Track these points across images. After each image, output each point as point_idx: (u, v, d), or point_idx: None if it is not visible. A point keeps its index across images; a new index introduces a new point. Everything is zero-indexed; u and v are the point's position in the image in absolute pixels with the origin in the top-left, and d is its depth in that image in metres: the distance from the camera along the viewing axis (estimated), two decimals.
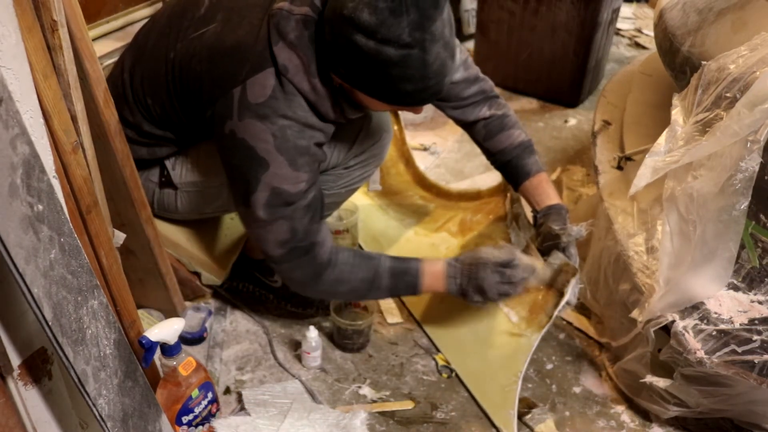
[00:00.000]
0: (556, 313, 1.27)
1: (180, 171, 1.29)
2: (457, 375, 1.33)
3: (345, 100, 1.13)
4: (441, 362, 1.36)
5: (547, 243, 1.34)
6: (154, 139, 1.24)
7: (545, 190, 1.39)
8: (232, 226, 1.51)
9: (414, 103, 1.08)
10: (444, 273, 1.23)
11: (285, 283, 1.22)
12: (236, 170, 1.12)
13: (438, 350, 1.38)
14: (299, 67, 1.06)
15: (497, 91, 1.44)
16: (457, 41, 1.09)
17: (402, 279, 1.22)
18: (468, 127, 1.44)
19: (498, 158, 1.43)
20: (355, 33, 0.96)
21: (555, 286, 1.33)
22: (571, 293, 1.27)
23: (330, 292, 1.22)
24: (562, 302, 1.27)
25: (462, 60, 1.32)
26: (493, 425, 1.22)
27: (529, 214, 1.45)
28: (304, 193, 1.12)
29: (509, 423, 1.20)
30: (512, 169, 1.42)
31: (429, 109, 2.38)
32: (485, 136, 1.42)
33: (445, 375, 1.33)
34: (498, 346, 1.34)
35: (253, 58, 1.06)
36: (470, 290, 1.21)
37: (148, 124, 1.22)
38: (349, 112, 1.16)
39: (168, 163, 1.29)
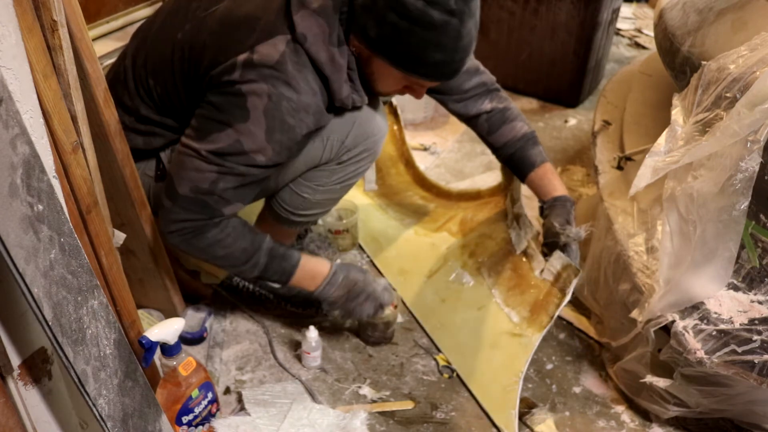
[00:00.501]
0: (557, 312, 1.27)
1: None
2: (458, 375, 1.33)
3: (359, 75, 1.13)
4: (442, 362, 1.36)
5: (548, 240, 1.34)
6: (150, 125, 1.22)
7: (551, 181, 1.39)
8: None
9: (434, 75, 1.10)
10: (325, 275, 1.26)
11: (161, 226, 1.14)
12: (214, 109, 1.07)
13: (439, 350, 1.38)
14: (319, 35, 1.06)
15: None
16: None
17: (278, 262, 1.20)
18: (470, 121, 1.44)
19: (502, 151, 1.44)
20: None
21: (557, 285, 1.33)
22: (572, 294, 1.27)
23: (206, 251, 1.15)
24: (564, 302, 1.27)
25: None
26: (494, 425, 1.22)
27: (536, 208, 1.45)
28: (256, 167, 1.09)
29: (510, 423, 1.20)
30: (517, 161, 1.42)
31: (429, 109, 2.38)
32: (488, 129, 1.42)
33: (446, 375, 1.33)
34: (499, 346, 1.34)
35: (263, 26, 1.06)
36: (340, 310, 1.31)
37: (146, 108, 1.20)
38: (359, 90, 1.16)
39: (164, 156, 1.28)
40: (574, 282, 1.27)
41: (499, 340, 1.35)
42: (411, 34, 1.03)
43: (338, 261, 1.46)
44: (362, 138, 1.28)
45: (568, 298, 1.26)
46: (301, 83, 1.07)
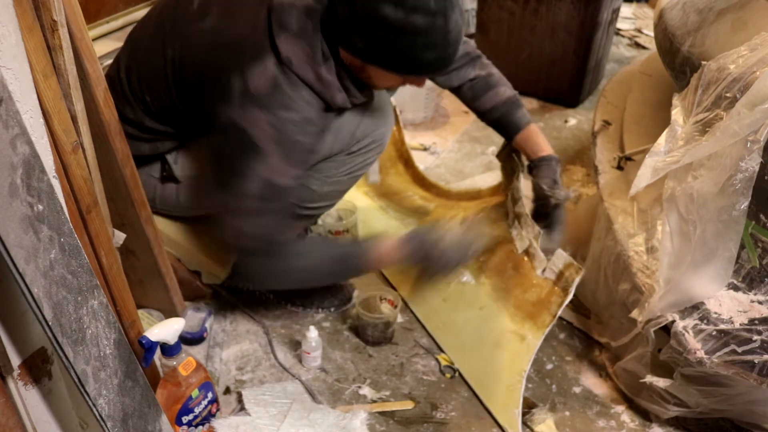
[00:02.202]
0: (559, 311, 1.27)
1: (182, 164, 1.30)
2: (460, 375, 1.33)
3: (352, 82, 1.14)
4: (444, 362, 1.35)
5: (537, 202, 1.38)
6: (156, 134, 1.25)
7: (536, 141, 1.43)
8: None
9: (431, 71, 1.12)
10: (396, 247, 1.21)
11: (236, 271, 1.22)
12: (228, 156, 1.11)
13: (441, 350, 1.38)
14: (303, 58, 1.07)
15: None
16: None
17: (347, 262, 1.23)
18: (454, 90, 1.46)
19: (487, 117, 1.46)
20: (382, 3, 0.99)
21: (559, 284, 1.33)
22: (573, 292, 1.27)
23: (282, 282, 1.25)
24: (566, 300, 1.27)
25: None
26: (498, 425, 1.22)
27: (530, 196, 1.47)
28: (293, 189, 1.13)
29: (514, 422, 1.20)
30: (503, 125, 1.45)
31: (429, 109, 2.38)
32: (472, 97, 1.45)
33: (448, 375, 1.33)
34: (501, 346, 1.34)
35: (252, 49, 1.07)
36: (427, 269, 1.20)
37: (150, 120, 1.22)
38: (356, 95, 1.17)
39: (170, 158, 1.30)
40: (577, 281, 1.27)
41: (501, 340, 1.35)
42: (399, 42, 1.03)
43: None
44: (371, 129, 1.31)
45: (570, 296, 1.26)
46: (298, 101, 1.08)
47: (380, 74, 1.11)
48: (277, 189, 1.11)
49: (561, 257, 1.33)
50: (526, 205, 1.48)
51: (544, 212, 1.41)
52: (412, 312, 1.48)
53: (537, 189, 1.40)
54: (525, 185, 1.49)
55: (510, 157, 1.56)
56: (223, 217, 1.14)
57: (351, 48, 1.07)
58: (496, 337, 1.36)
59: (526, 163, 1.46)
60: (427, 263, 1.21)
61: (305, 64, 1.07)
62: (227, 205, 1.12)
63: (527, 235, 1.48)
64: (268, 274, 1.20)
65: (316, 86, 1.09)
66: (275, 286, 1.28)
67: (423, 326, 1.44)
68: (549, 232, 1.39)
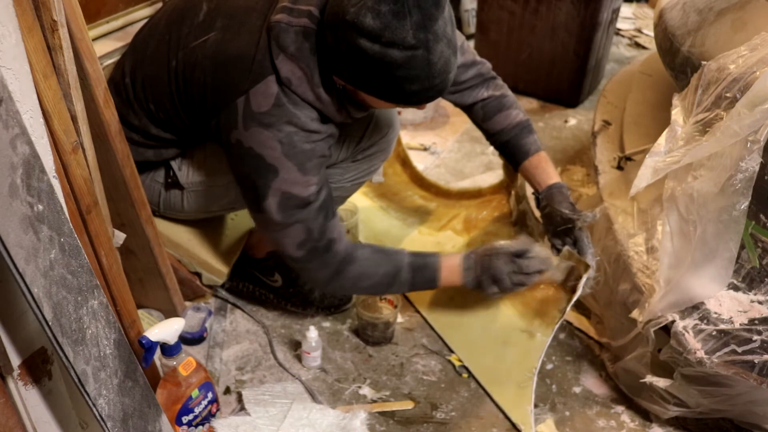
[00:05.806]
0: (568, 308, 1.26)
1: (186, 171, 1.30)
2: (471, 374, 1.33)
3: (349, 102, 1.14)
4: (457, 363, 1.35)
5: (560, 227, 1.33)
6: (160, 141, 1.25)
7: (545, 169, 1.39)
8: (233, 226, 1.51)
9: (420, 101, 1.10)
10: (460, 266, 1.25)
11: (308, 282, 1.26)
12: (246, 178, 1.13)
13: (450, 351, 1.38)
14: (302, 78, 1.07)
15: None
16: (457, 32, 1.10)
17: (421, 274, 1.24)
18: (466, 108, 1.45)
19: (496, 138, 1.44)
20: (359, 37, 0.96)
21: (567, 281, 1.33)
22: (583, 288, 1.26)
23: (353, 287, 1.26)
24: (575, 297, 1.26)
25: (458, 45, 1.34)
26: (512, 423, 1.22)
27: (530, 195, 1.45)
28: (316, 194, 1.13)
29: (527, 419, 1.20)
30: (511, 149, 1.42)
31: (430, 109, 2.38)
32: (483, 117, 1.42)
33: (465, 375, 1.33)
34: (511, 343, 1.34)
35: (254, 68, 1.07)
36: (485, 281, 1.23)
37: (155, 128, 1.23)
38: (355, 112, 1.17)
39: (174, 164, 1.30)
40: (584, 278, 1.27)
41: (510, 337, 1.35)
42: (380, 75, 1.01)
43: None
44: (377, 138, 1.32)
45: (578, 293, 1.26)
46: (301, 116, 1.09)
47: (373, 100, 1.11)
48: (300, 199, 1.12)
49: (569, 253, 1.33)
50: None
51: (566, 239, 1.35)
52: (416, 311, 1.48)
53: (556, 214, 1.32)
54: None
55: None
56: (266, 234, 1.18)
57: (340, 75, 1.07)
58: (505, 335, 1.36)
59: (531, 192, 1.43)
60: (482, 286, 1.25)
61: (305, 85, 1.08)
62: (264, 223, 1.15)
63: (532, 234, 1.48)
64: (324, 279, 1.21)
65: (316, 105, 1.10)
66: (339, 291, 1.33)
67: (430, 326, 1.44)
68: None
